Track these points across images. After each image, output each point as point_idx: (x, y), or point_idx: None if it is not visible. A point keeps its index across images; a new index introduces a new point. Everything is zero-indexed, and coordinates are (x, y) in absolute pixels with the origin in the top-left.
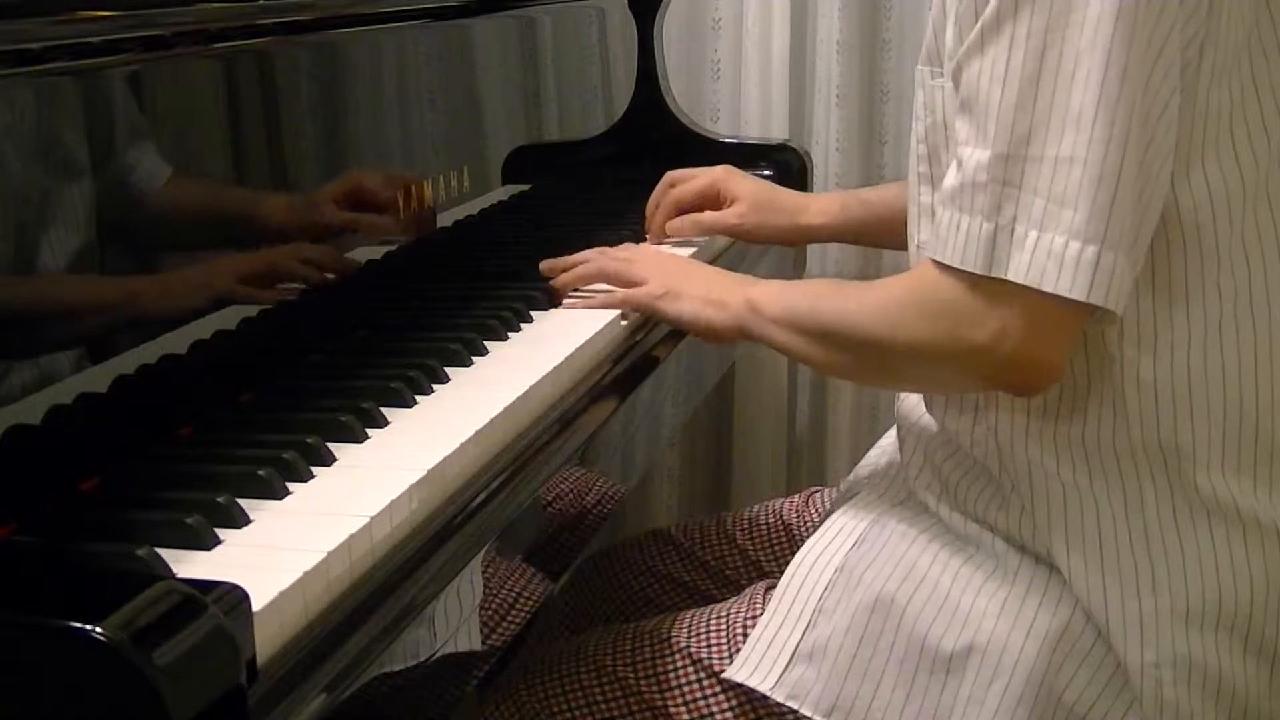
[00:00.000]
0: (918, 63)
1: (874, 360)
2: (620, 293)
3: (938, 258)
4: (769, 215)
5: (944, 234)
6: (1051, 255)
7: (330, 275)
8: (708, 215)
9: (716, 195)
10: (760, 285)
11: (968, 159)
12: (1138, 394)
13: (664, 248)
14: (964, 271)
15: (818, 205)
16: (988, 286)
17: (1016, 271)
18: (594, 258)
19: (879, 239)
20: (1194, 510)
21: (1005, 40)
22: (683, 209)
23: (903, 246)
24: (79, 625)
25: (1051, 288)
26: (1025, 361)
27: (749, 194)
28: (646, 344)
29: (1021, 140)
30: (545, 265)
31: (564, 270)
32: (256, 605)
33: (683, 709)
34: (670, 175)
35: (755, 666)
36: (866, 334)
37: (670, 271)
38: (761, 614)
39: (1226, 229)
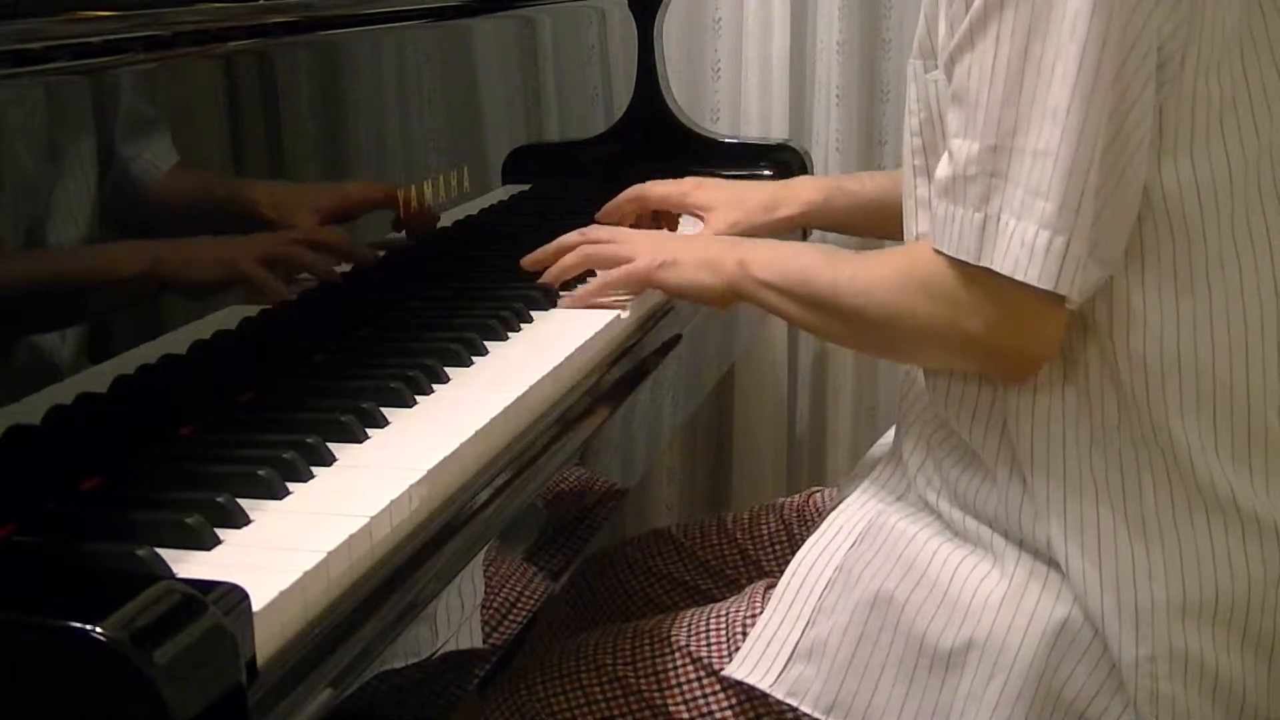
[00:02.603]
0: (910, 57)
1: (865, 331)
2: (616, 271)
3: (936, 247)
4: (755, 216)
5: (939, 224)
6: (1024, 244)
7: (330, 275)
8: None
9: (680, 204)
10: (752, 247)
11: (958, 151)
12: (1130, 373)
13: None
14: (959, 260)
15: (796, 194)
16: (980, 277)
17: (999, 261)
18: (576, 241)
19: (861, 229)
20: (1192, 502)
21: (992, 36)
22: (644, 208)
23: (883, 237)
24: (79, 625)
25: (1023, 276)
26: (1011, 350)
27: (731, 203)
28: (647, 344)
29: (1008, 133)
30: (528, 260)
31: (549, 259)
32: (256, 605)
33: (682, 707)
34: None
35: (755, 664)
36: (860, 308)
37: (660, 243)
38: (761, 613)
39: (1215, 220)
